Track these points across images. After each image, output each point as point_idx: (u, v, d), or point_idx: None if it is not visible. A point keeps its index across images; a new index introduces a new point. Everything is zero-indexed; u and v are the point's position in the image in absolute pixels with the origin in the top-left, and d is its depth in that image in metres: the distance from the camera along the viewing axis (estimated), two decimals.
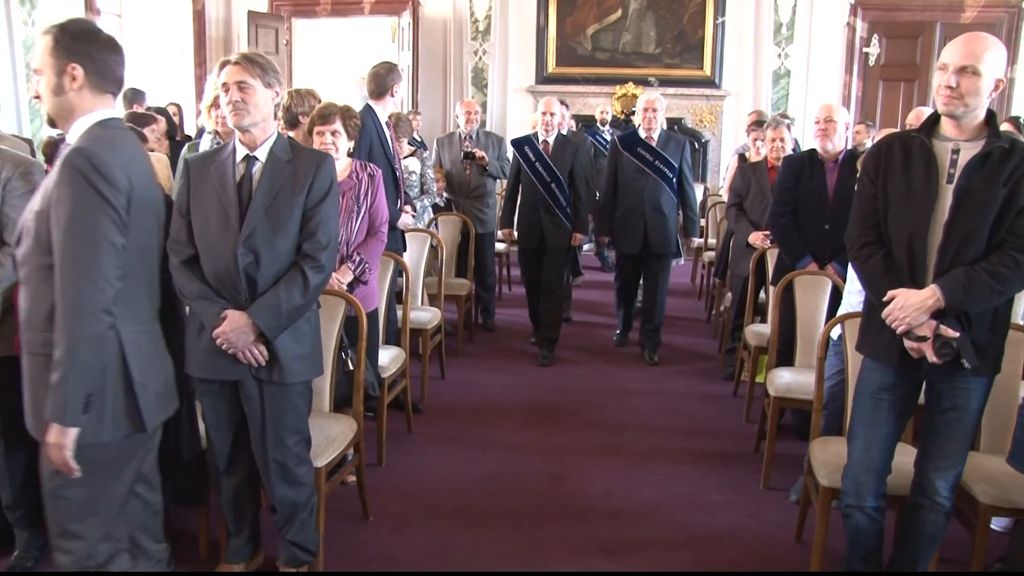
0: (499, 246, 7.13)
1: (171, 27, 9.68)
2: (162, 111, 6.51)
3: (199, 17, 9.84)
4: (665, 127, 6.04)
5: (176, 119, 7.56)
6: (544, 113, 5.84)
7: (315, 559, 3.01)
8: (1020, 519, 2.68)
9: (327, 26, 10.97)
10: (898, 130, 4.19)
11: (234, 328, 2.66)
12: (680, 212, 5.99)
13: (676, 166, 5.81)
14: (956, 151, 2.51)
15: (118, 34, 8.98)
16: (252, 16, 9.77)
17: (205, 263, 2.71)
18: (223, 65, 2.71)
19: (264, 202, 2.69)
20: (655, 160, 5.76)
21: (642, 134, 5.83)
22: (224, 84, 2.67)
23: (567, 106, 7.56)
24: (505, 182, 6.39)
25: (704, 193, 8.80)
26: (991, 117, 2.52)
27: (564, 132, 6.30)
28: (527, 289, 6.13)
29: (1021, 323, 2.94)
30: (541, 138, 5.84)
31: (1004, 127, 5.55)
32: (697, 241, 6.24)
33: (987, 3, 9.61)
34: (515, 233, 6.12)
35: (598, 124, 8.39)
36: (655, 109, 5.81)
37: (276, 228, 2.71)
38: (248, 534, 3.02)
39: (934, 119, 2.59)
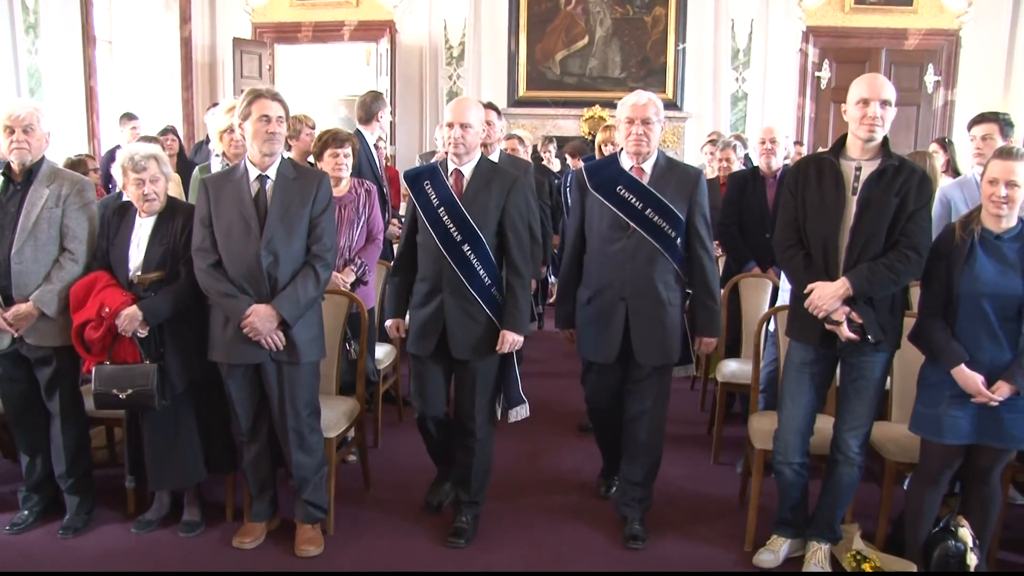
0: None
1: (159, 53, 10.13)
2: (174, 132, 7.11)
3: (186, 43, 10.30)
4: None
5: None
6: (450, 124, 3.37)
7: (327, 516, 3.52)
8: (915, 478, 3.26)
9: (307, 51, 11.47)
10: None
11: (260, 317, 3.17)
12: (688, 294, 3.58)
13: (682, 217, 3.40)
14: (859, 168, 3.09)
15: (109, 59, 9.45)
16: (237, 42, 10.26)
17: (229, 266, 3.24)
18: (257, 96, 3.21)
19: (279, 213, 3.23)
20: (646, 207, 3.36)
21: (626, 163, 3.44)
22: (266, 116, 3.18)
23: (498, 113, 4.98)
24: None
25: None
26: (885, 140, 3.11)
27: (495, 156, 4.13)
28: (421, 424, 3.64)
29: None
30: (451, 167, 3.44)
31: (932, 147, 6.22)
32: (712, 341, 3.61)
33: (928, 31, 10.31)
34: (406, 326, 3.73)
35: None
36: (647, 121, 3.34)
37: (290, 233, 3.25)
38: (268, 497, 3.52)
39: (841, 143, 3.17)
